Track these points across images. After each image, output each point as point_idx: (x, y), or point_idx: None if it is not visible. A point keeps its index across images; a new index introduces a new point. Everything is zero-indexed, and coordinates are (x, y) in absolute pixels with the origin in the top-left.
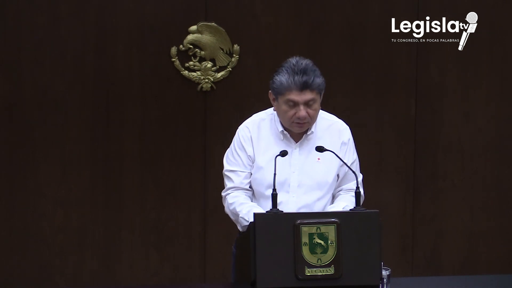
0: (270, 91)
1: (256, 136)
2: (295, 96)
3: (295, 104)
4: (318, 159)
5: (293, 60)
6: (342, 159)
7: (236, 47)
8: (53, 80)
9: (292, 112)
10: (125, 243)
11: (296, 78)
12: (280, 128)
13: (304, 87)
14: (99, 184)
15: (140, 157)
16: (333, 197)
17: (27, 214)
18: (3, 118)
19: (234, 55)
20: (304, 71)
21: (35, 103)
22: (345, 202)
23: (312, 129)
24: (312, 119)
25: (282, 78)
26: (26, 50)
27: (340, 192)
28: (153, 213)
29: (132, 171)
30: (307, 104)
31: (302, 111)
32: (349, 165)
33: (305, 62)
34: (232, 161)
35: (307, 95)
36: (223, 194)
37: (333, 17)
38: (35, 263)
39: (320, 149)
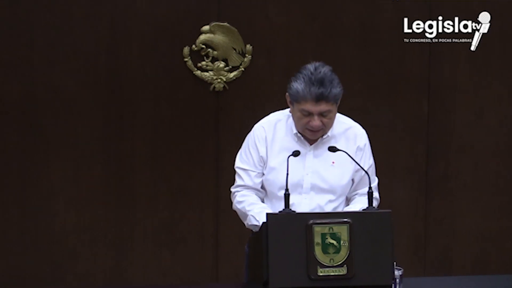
0: (287, 93)
1: (271, 137)
2: (310, 106)
3: (309, 114)
4: (333, 162)
5: (311, 68)
6: (358, 163)
7: (248, 47)
8: (66, 81)
9: (305, 120)
10: (137, 243)
11: (312, 89)
12: (295, 131)
13: (320, 98)
14: (111, 184)
15: (152, 157)
16: (348, 200)
17: (40, 214)
18: (16, 118)
19: (247, 55)
20: (321, 82)
21: (48, 104)
22: (361, 204)
23: (328, 133)
24: (326, 127)
25: (298, 86)
26: (39, 50)
27: (356, 196)
28: (165, 213)
29: (144, 171)
30: (321, 114)
31: (316, 121)
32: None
33: (323, 70)
34: (244, 159)
35: (322, 107)
36: (232, 189)
37: (345, 17)
38: (47, 263)
39: (332, 149)
